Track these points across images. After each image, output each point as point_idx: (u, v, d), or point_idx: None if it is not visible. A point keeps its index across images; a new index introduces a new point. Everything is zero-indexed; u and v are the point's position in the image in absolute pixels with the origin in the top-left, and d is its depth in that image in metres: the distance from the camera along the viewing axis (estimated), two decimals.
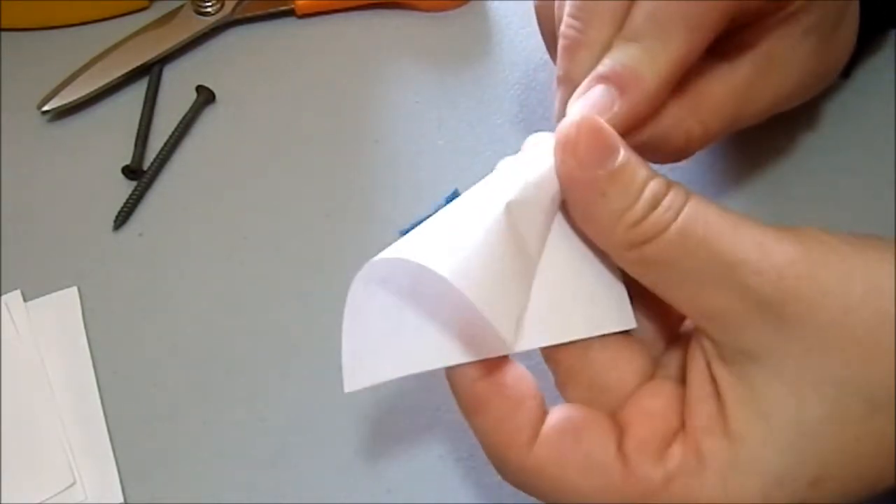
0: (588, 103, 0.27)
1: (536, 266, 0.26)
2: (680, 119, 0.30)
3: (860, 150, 0.41)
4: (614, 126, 0.25)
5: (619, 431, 0.25)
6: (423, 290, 0.26)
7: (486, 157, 0.42)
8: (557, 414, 0.25)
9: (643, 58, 0.27)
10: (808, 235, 0.24)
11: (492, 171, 0.27)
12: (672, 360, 0.27)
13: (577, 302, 0.27)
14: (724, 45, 0.31)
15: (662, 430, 0.25)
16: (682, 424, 0.25)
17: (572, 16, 0.29)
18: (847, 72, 0.38)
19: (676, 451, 0.24)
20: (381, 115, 0.44)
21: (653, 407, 0.26)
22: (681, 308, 0.25)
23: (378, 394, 0.35)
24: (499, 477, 0.33)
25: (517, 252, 0.25)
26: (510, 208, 0.25)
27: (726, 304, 0.23)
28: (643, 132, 0.29)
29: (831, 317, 0.23)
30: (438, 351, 0.25)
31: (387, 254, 0.24)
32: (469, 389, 0.25)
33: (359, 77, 0.45)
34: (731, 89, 0.31)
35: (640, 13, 0.28)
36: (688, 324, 0.28)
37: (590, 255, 0.27)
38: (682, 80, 0.29)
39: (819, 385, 0.23)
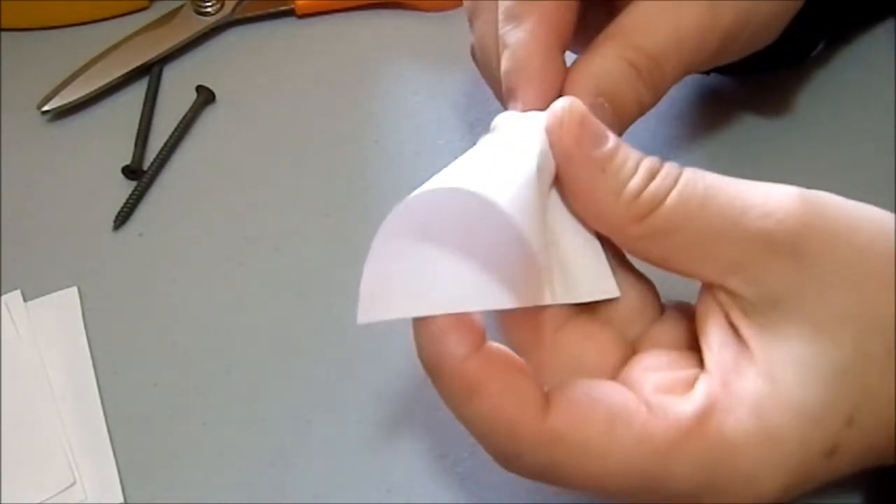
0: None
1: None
2: (619, 63, 0.30)
3: (838, 135, 0.41)
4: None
5: (631, 389, 0.24)
6: (451, 231, 0.24)
7: None
8: (562, 383, 0.24)
9: (514, 49, 0.29)
10: (807, 191, 0.24)
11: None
12: (662, 331, 0.27)
13: (575, 266, 0.26)
14: None
15: (677, 378, 0.24)
16: (698, 374, 0.24)
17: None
18: (806, 54, 0.38)
19: (702, 388, 0.23)
20: (381, 115, 0.44)
21: (656, 364, 0.25)
22: (695, 273, 0.25)
23: (378, 393, 0.35)
24: (498, 477, 0.33)
25: (542, 204, 0.25)
26: (539, 162, 0.25)
27: (741, 254, 0.23)
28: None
29: (844, 255, 0.23)
30: (462, 294, 0.24)
31: (434, 184, 0.23)
32: (459, 370, 0.23)
33: (359, 77, 0.45)
34: (647, 14, 0.30)
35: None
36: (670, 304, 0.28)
37: (578, 227, 0.27)
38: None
39: (841, 323, 0.23)
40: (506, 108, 0.30)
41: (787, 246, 0.23)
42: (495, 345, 0.24)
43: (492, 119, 0.43)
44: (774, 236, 0.23)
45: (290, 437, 0.34)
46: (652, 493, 0.23)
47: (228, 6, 0.47)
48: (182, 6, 0.47)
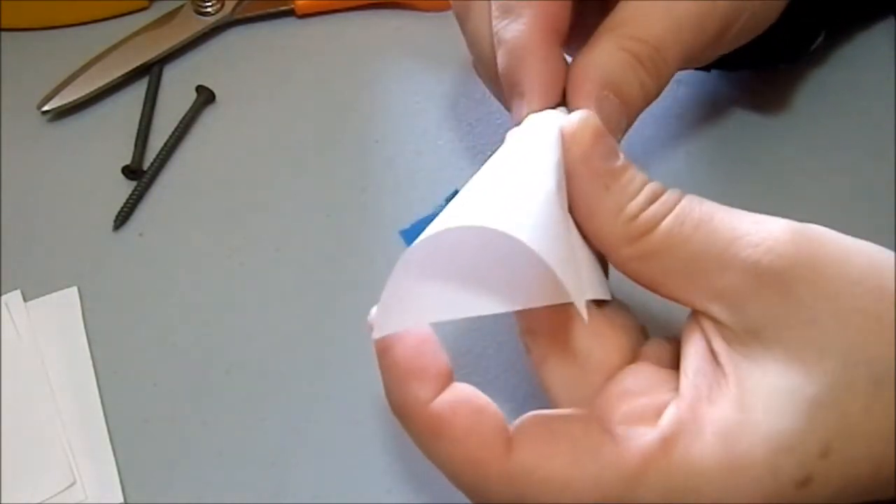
0: (517, 120, 0.29)
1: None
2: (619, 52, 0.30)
3: (839, 135, 0.41)
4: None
5: (599, 417, 0.24)
6: (467, 264, 0.25)
7: (485, 157, 0.41)
8: (523, 420, 0.24)
9: (511, 45, 0.29)
10: (801, 224, 0.24)
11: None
12: (652, 348, 0.27)
13: (584, 267, 0.26)
14: None
15: (648, 405, 0.24)
16: (671, 398, 0.24)
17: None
18: (806, 48, 0.38)
19: (670, 415, 0.23)
20: (381, 115, 0.44)
21: (634, 387, 0.25)
22: (681, 298, 0.25)
23: (378, 394, 0.35)
24: None
25: (564, 221, 0.25)
26: (558, 178, 0.25)
27: (728, 282, 0.23)
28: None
29: (834, 288, 0.23)
30: (486, 297, 0.24)
31: (451, 222, 0.23)
32: (423, 413, 0.24)
33: (359, 77, 0.45)
34: (643, 5, 0.30)
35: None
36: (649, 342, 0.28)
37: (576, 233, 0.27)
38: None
39: (824, 355, 0.23)
40: (508, 108, 0.30)
41: (773, 277, 0.23)
42: (461, 386, 0.24)
43: (492, 119, 0.43)
44: (761, 266, 0.23)
45: (290, 437, 0.34)
46: None
47: (228, 6, 0.47)
48: (182, 6, 0.47)
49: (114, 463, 0.33)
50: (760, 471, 0.22)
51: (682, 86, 0.43)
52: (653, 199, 0.25)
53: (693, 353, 0.25)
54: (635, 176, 0.25)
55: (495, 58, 0.30)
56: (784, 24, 0.35)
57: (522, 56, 0.29)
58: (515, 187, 0.25)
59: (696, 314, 0.25)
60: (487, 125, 0.43)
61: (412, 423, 0.24)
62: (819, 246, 0.24)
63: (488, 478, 0.24)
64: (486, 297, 0.25)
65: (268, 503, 0.33)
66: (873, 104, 0.42)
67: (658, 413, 0.24)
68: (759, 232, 0.24)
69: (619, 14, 0.30)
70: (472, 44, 0.34)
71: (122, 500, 0.33)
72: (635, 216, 0.25)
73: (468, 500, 0.33)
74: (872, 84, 0.43)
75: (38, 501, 0.32)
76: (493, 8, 0.30)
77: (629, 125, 0.30)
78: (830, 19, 0.39)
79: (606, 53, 0.29)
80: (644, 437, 0.23)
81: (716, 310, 0.24)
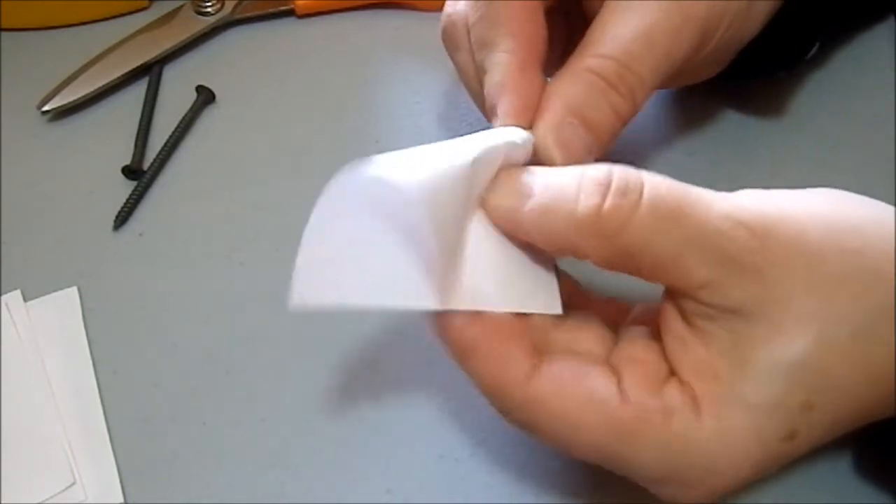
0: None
1: (469, 227, 0.27)
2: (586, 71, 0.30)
3: (838, 138, 0.41)
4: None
5: (617, 375, 0.26)
6: (388, 222, 0.26)
7: None
8: (556, 357, 0.26)
9: (491, 72, 0.30)
10: (759, 194, 0.26)
11: None
12: (633, 331, 0.28)
13: (507, 275, 0.27)
14: None
15: (654, 372, 0.26)
16: (671, 371, 0.26)
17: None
18: (801, 57, 0.38)
19: (673, 391, 0.25)
20: (381, 115, 0.44)
21: (637, 355, 0.27)
22: (664, 283, 0.26)
23: (377, 394, 0.35)
24: (499, 477, 0.33)
25: (466, 200, 0.26)
26: (476, 161, 0.26)
27: (710, 274, 0.24)
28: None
29: (801, 263, 0.25)
30: (400, 290, 0.25)
31: (355, 170, 0.25)
32: (459, 335, 0.26)
33: (359, 77, 0.45)
34: (612, 21, 0.31)
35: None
36: (637, 307, 0.30)
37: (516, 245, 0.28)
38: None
39: (802, 323, 0.24)
40: (490, 122, 0.31)
41: (753, 265, 0.24)
42: (501, 314, 0.26)
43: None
44: (741, 259, 0.24)
45: (290, 437, 0.34)
46: (619, 468, 0.26)
47: (228, 6, 0.47)
48: (182, 6, 0.47)
49: (114, 463, 0.33)
50: (747, 438, 0.25)
51: (680, 90, 0.43)
52: (619, 192, 0.25)
53: (673, 332, 0.26)
54: (579, 173, 0.26)
55: (479, 86, 0.32)
56: (778, 34, 0.35)
57: (500, 80, 0.30)
58: (430, 161, 0.26)
59: (672, 295, 0.26)
60: (487, 125, 0.43)
61: (448, 344, 0.27)
62: (781, 227, 0.25)
63: (508, 398, 0.26)
64: (397, 289, 0.26)
65: (268, 503, 0.33)
66: (873, 105, 0.42)
67: (661, 382, 0.26)
68: (735, 228, 0.25)
69: (590, 32, 0.31)
70: (461, 76, 0.35)
71: (122, 500, 0.33)
72: (598, 213, 0.25)
73: (470, 500, 0.33)
74: (872, 85, 0.43)
75: (38, 501, 0.32)
76: (472, 41, 0.32)
77: (606, 145, 0.30)
78: (825, 28, 0.39)
79: (570, 78, 0.30)
80: (649, 402, 0.25)
81: (698, 296, 0.25)
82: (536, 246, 0.27)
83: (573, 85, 0.30)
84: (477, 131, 0.43)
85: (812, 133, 0.41)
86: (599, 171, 0.25)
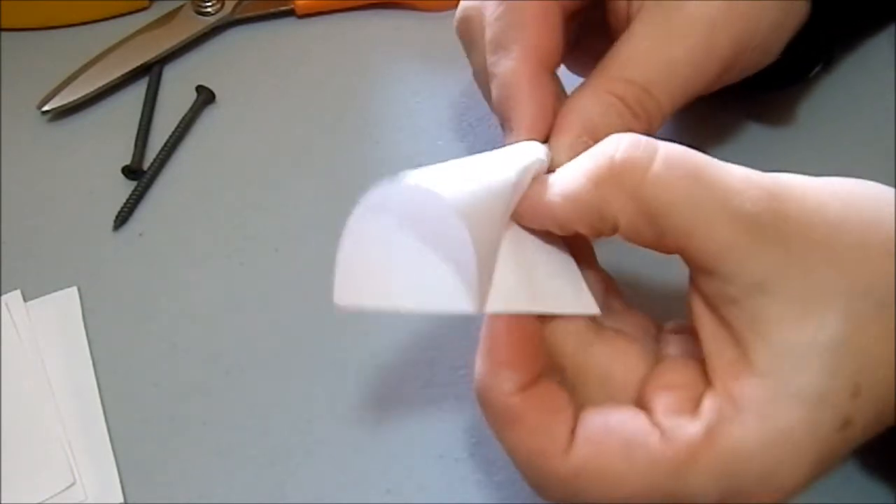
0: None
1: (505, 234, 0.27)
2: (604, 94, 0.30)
3: (840, 147, 0.41)
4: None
5: (647, 411, 0.25)
6: (426, 230, 0.26)
7: None
8: (585, 418, 0.25)
9: (500, 78, 0.30)
10: (777, 176, 0.25)
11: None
12: (669, 343, 0.28)
13: (545, 278, 0.27)
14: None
15: (689, 396, 0.25)
16: (706, 386, 0.25)
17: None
18: (805, 74, 0.38)
19: (709, 405, 0.24)
20: (381, 115, 0.44)
21: (671, 381, 0.26)
22: (686, 253, 0.25)
23: (377, 394, 0.35)
24: (498, 477, 0.33)
25: (503, 217, 0.26)
26: (520, 171, 0.26)
27: (730, 237, 0.24)
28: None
29: (820, 234, 0.24)
30: (431, 293, 0.25)
31: (393, 184, 0.25)
32: (504, 402, 0.25)
33: (359, 77, 0.45)
34: (638, 45, 0.31)
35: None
36: (668, 325, 0.29)
37: (551, 245, 0.28)
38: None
39: (827, 298, 0.23)
40: (504, 134, 0.31)
41: (774, 230, 0.24)
42: (550, 384, 0.26)
43: (492, 119, 0.43)
44: (762, 222, 0.24)
45: (290, 437, 0.34)
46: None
47: (228, 6, 0.47)
48: (182, 6, 0.47)
49: (114, 463, 0.33)
50: (800, 434, 0.23)
51: None
52: (632, 145, 0.25)
53: (706, 330, 0.25)
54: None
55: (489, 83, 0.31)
56: (783, 53, 0.35)
57: (510, 92, 0.30)
58: (470, 174, 0.26)
59: (698, 284, 0.25)
60: (487, 125, 0.43)
61: (491, 408, 0.26)
62: (800, 198, 0.24)
63: (547, 473, 0.25)
64: (438, 293, 0.25)
65: (268, 503, 0.33)
66: (873, 108, 0.42)
67: (697, 402, 0.25)
68: (753, 189, 0.24)
69: (613, 53, 0.31)
70: (475, 76, 0.35)
71: (122, 500, 0.33)
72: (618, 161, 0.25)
73: (470, 500, 0.33)
74: (874, 94, 0.42)
75: (38, 501, 0.32)
76: (486, 43, 0.31)
77: None
78: (829, 49, 0.39)
79: (590, 97, 0.30)
80: (688, 428, 0.24)
81: (718, 265, 0.24)
82: (567, 247, 0.27)
83: (593, 104, 0.30)
84: (476, 131, 0.44)
85: (812, 135, 0.41)
86: (609, 138, 0.26)
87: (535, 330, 0.26)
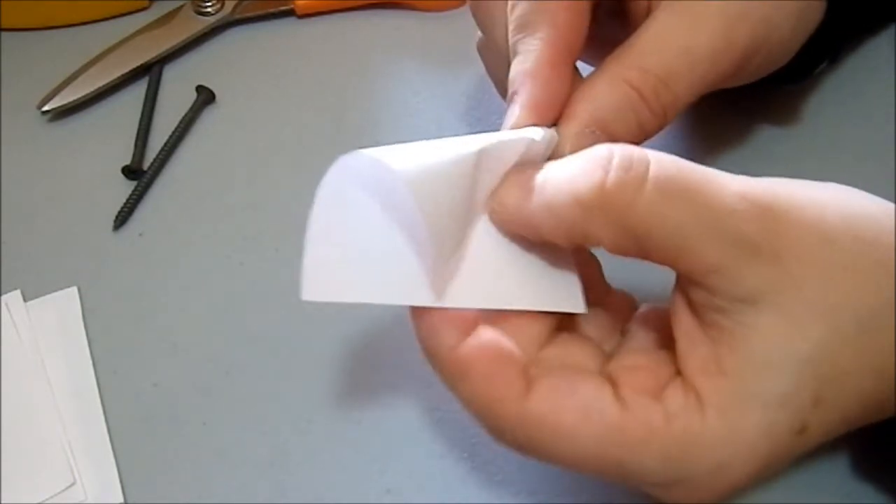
0: (507, 126, 0.29)
1: (476, 221, 0.27)
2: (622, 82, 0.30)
3: (842, 145, 0.41)
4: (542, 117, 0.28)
5: (612, 384, 0.25)
6: (384, 205, 0.26)
7: None
8: (543, 369, 0.26)
9: (523, 57, 0.29)
10: (774, 185, 0.25)
11: None
12: (636, 335, 0.28)
13: (523, 273, 0.27)
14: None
15: (653, 379, 0.26)
16: (673, 374, 0.26)
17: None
18: (810, 72, 0.38)
19: (674, 394, 0.25)
20: (381, 116, 0.44)
21: (636, 362, 0.26)
22: (675, 267, 0.25)
23: (377, 394, 0.35)
24: (498, 477, 0.33)
25: (468, 189, 0.26)
26: (481, 153, 0.26)
27: (722, 256, 0.24)
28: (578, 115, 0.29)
29: (814, 250, 0.24)
30: (399, 285, 0.25)
31: (355, 154, 0.25)
32: (449, 357, 0.25)
33: (359, 77, 0.45)
34: (658, 34, 0.30)
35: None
36: (642, 308, 0.29)
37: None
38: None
39: (813, 313, 0.24)
40: (507, 106, 0.30)
41: (767, 248, 0.24)
42: (487, 331, 0.26)
43: (492, 119, 0.43)
44: (754, 241, 0.24)
45: (290, 437, 0.34)
46: (623, 479, 0.25)
47: (228, 6, 0.47)
48: (182, 6, 0.47)
49: (114, 463, 0.33)
50: (756, 434, 0.24)
51: None
52: (623, 167, 0.24)
53: (683, 328, 0.25)
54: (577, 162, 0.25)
55: (508, 62, 0.31)
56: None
57: (530, 72, 0.29)
58: (441, 148, 0.25)
59: (685, 286, 0.25)
60: (487, 125, 0.43)
61: (439, 367, 0.26)
62: (798, 209, 0.24)
63: (504, 419, 0.25)
64: (402, 285, 0.25)
65: (268, 503, 0.33)
66: (873, 107, 0.42)
67: (662, 386, 0.25)
68: (749, 209, 0.24)
69: (634, 41, 0.31)
70: (487, 43, 0.34)
71: (122, 500, 0.33)
72: (603, 186, 0.24)
73: (470, 500, 0.33)
74: (877, 93, 0.42)
75: (38, 501, 0.32)
76: (511, 19, 0.31)
77: None
78: (836, 47, 0.38)
79: (605, 87, 0.30)
80: (650, 409, 0.24)
81: (710, 281, 0.24)
82: (551, 243, 0.26)
83: (607, 94, 0.29)
84: (477, 131, 0.43)
85: (812, 135, 0.41)
86: (601, 149, 0.25)
87: None
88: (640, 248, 0.24)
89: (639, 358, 0.27)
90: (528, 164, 0.27)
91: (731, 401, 0.24)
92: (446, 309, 0.25)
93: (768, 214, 0.24)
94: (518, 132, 0.28)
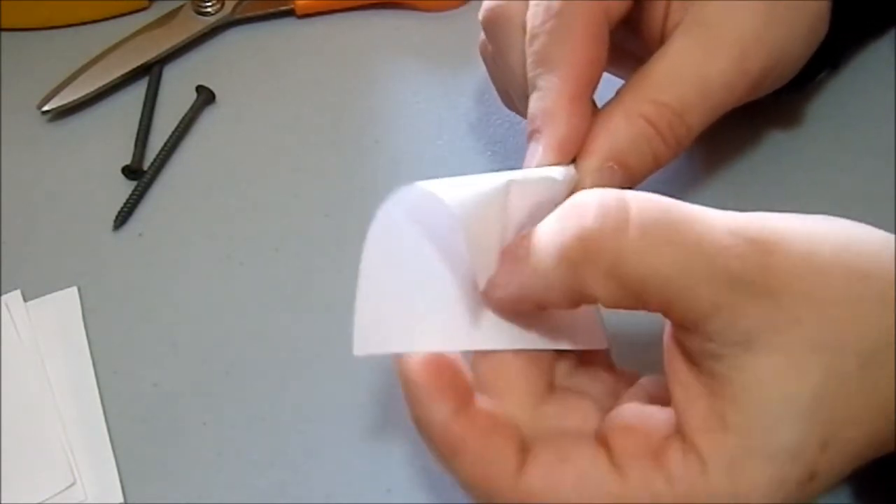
0: (529, 164, 0.29)
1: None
2: (637, 114, 0.30)
3: (843, 149, 0.41)
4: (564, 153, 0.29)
5: (606, 447, 0.25)
6: (439, 250, 0.26)
7: (486, 157, 0.42)
8: (540, 444, 0.25)
9: (543, 93, 0.29)
10: (763, 213, 0.25)
11: (491, 171, 0.28)
12: (628, 394, 0.27)
13: (546, 312, 0.27)
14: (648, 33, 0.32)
15: (650, 440, 0.24)
16: (669, 431, 0.25)
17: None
18: (810, 80, 0.38)
19: (675, 456, 0.24)
20: (381, 115, 0.44)
21: (630, 421, 0.25)
22: (668, 314, 0.24)
23: (377, 394, 0.35)
24: None
25: (497, 223, 0.26)
26: (511, 182, 0.26)
27: (715, 299, 0.23)
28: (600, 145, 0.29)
29: (808, 285, 0.23)
30: (444, 332, 0.25)
31: (403, 192, 0.25)
32: (443, 432, 0.24)
33: (359, 77, 0.45)
34: (673, 64, 0.30)
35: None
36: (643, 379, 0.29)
37: None
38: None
39: (813, 351, 0.23)
40: (528, 143, 0.31)
41: (762, 286, 0.23)
42: (482, 404, 0.25)
43: (492, 119, 0.43)
44: (749, 280, 0.23)
45: (290, 437, 0.34)
46: None
47: (228, 6, 0.47)
48: (182, 6, 0.47)
49: (114, 463, 0.33)
50: (766, 490, 0.23)
51: None
52: (601, 215, 0.24)
53: (680, 382, 0.25)
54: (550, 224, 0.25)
55: (519, 81, 0.31)
56: None
57: (550, 112, 0.29)
58: (474, 184, 0.26)
59: (679, 337, 0.25)
60: (487, 125, 0.43)
61: (431, 442, 0.25)
62: (790, 244, 0.24)
63: (499, 495, 0.24)
64: (457, 331, 0.26)
65: (268, 503, 0.33)
66: (874, 110, 0.42)
67: (661, 448, 0.24)
68: (740, 245, 0.23)
69: (647, 71, 0.30)
70: (498, 69, 0.35)
71: (122, 500, 0.33)
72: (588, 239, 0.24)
73: (469, 500, 0.33)
74: (878, 97, 0.42)
75: (38, 501, 0.32)
76: (529, 52, 0.30)
77: (636, 184, 0.30)
78: (838, 53, 0.38)
79: (621, 120, 0.30)
80: (650, 475, 0.23)
81: (706, 324, 0.23)
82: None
83: (624, 129, 0.29)
84: (477, 131, 0.44)
85: (812, 135, 0.41)
86: (575, 199, 0.24)
87: (447, 356, 0.25)
88: (635, 297, 0.24)
89: (633, 417, 0.25)
90: (519, 237, 0.27)
91: (735, 457, 0.23)
92: (441, 377, 0.25)
93: (759, 248, 0.23)
94: (540, 171, 0.28)
